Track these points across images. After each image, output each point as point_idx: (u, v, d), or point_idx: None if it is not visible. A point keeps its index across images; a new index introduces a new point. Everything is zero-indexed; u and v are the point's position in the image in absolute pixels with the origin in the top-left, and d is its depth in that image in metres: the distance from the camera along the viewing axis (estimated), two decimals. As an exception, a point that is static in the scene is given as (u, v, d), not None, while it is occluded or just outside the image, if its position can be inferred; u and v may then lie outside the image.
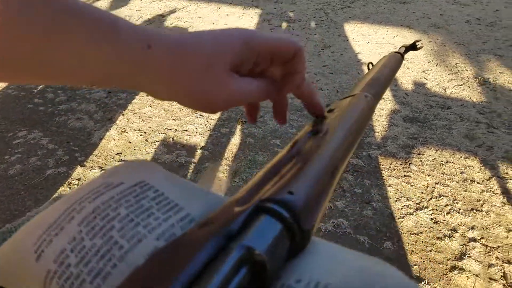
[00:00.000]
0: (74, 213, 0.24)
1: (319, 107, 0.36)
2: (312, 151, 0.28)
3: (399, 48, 0.67)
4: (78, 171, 1.66)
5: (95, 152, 1.78)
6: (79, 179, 1.61)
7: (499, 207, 1.40)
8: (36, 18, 0.22)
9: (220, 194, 0.28)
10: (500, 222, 1.35)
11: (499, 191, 1.47)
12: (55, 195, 1.53)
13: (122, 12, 3.61)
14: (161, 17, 3.45)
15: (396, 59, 0.58)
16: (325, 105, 0.40)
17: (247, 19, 3.33)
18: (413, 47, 0.69)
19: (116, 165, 0.29)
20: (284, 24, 3.21)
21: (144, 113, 2.05)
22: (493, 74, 2.34)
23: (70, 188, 1.57)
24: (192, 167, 1.66)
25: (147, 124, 1.97)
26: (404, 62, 2.37)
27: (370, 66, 0.57)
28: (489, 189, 1.49)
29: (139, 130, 1.93)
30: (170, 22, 3.34)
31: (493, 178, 1.54)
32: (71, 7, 0.23)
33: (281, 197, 0.22)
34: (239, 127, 1.92)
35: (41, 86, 2.35)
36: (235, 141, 1.82)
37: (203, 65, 0.27)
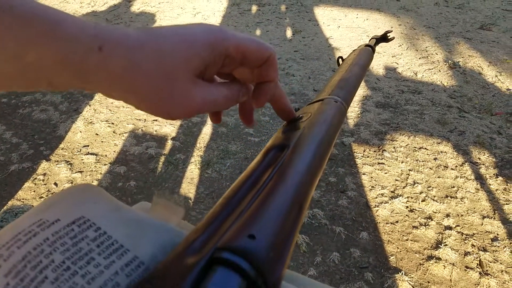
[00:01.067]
0: (0, 260, 0.20)
1: (288, 110, 0.33)
2: (276, 178, 0.23)
3: (370, 40, 0.62)
4: (44, 165, 1.55)
5: (61, 145, 1.67)
6: (44, 175, 1.51)
7: (473, 193, 1.40)
8: None
9: (173, 226, 0.24)
10: (474, 208, 1.34)
11: (473, 177, 1.47)
12: (20, 192, 1.43)
13: (82, -3, 3.41)
14: (128, 2, 3.28)
15: (367, 54, 0.53)
16: (295, 109, 0.36)
17: (216, 3, 3.22)
18: (384, 38, 0.65)
19: (53, 194, 0.26)
20: (254, 8, 3.11)
21: (112, 103, 1.94)
22: (462, 57, 2.35)
23: (35, 184, 1.46)
24: (162, 159, 1.58)
25: (115, 115, 1.86)
26: (376, 47, 2.35)
27: (340, 61, 0.52)
28: (463, 175, 1.48)
29: (106, 121, 1.82)
30: (137, 7, 3.18)
31: (466, 163, 1.53)
32: (4, 1, 0.20)
33: (240, 243, 0.18)
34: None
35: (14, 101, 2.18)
36: (207, 130, 1.74)
37: (164, 73, 0.24)
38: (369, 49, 0.56)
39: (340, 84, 0.39)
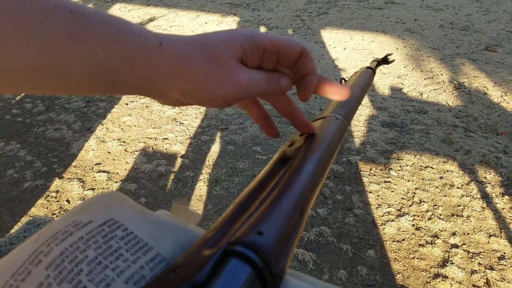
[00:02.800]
0: (41, 255, 0.23)
1: (306, 123, 0.36)
2: (281, 186, 0.26)
3: (371, 63, 0.66)
4: (56, 183, 1.60)
5: (74, 163, 1.72)
6: (57, 192, 1.55)
7: (479, 212, 1.41)
8: (52, 33, 0.22)
9: (191, 229, 0.27)
10: (481, 227, 1.35)
11: (479, 196, 1.48)
12: (33, 209, 1.47)
13: (96, 21, 3.53)
14: (140, 25, 3.40)
15: (368, 76, 0.56)
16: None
17: (225, 27, 3.31)
18: (385, 60, 0.68)
19: (86, 199, 0.29)
20: (262, 31, 3.20)
21: (124, 122, 2.00)
22: (467, 78, 2.38)
23: (48, 201, 1.50)
24: (172, 176, 1.61)
25: (127, 133, 1.91)
26: (380, 67, 2.39)
27: (343, 82, 0.55)
28: (469, 194, 1.49)
29: (118, 139, 1.87)
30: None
31: (472, 182, 1.54)
32: (78, 12, 0.23)
33: (250, 238, 0.21)
34: (219, 134, 1.89)
35: (19, 96, 2.27)
36: (216, 148, 1.78)
37: (211, 58, 0.28)
38: (369, 71, 0.60)
39: (341, 104, 0.42)
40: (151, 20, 3.51)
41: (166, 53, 0.26)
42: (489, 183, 1.53)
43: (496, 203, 1.43)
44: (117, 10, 3.81)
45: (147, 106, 2.14)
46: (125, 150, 1.79)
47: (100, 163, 1.71)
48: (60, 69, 0.23)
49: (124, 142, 1.85)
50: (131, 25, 0.26)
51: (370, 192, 1.52)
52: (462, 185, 1.54)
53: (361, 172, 1.63)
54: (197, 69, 0.28)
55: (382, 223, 1.38)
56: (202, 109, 2.11)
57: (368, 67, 0.61)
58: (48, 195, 1.53)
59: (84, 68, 0.24)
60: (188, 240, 0.25)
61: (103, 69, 0.24)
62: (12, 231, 0.38)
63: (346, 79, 0.58)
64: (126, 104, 2.17)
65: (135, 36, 0.25)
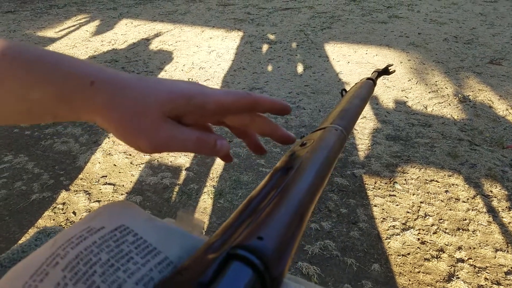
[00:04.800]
0: (58, 258, 0.25)
1: (286, 136, 0.37)
2: (282, 193, 0.27)
3: (372, 73, 0.66)
4: (63, 195, 1.61)
5: (80, 176, 1.73)
6: (63, 204, 1.56)
7: (485, 226, 1.39)
8: None
9: (196, 236, 0.29)
10: (487, 241, 1.33)
11: (485, 209, 1.46)
12: (40, 220, 1.48)
13: (108, 37, 3.60)
14: (146, 40, 3.45)
15: (368, 87, 0.57)
16: (300, 137, 0.40)
17: (230, 41, 3.35)
18: (385, 71, 0.69)
19: (98, 208, 0.31)
20: (266, 46, 3.23)
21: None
22: (472, 91, 2.38)
23: (55, 213, 1.52)
24: (177, 188, 1.62)
25: (131, 147, 1.93)
26: (384, 81, 2.40)
27: (344, 93, 0.56)
28: (475, 208, 1.48)
29: (124, 152, 1.89)
30: (155, 45, 3.34)
31: (478, 196, 1.53)
32: (12, 50, 0.26)
33: (251, 243, 0.22)
34: (222, 149, 1.89)
35: None
36: (220, 161, 1.79)
37: (135, 110, 0.28)
38: (370, 82, 0.60)
39: (340, 115, 0.43)
40: (157, 35, 3.56)
41: (95, 95, 0.27)
42: (495, 197, 1.52)
43: (502, 217, 1.42)
44: (123, 26, 3.87)
45: (152, 120, 2.16)
46: (131, 163, 1.81)
47: (106, 176, 1.73)
48: None
49: (130, 155, 1.87)
50: (68, 62, 0.27)
51: (375, 206, 1.51)
52: (468, 199, 1.52)
53: (366, 185, 1.62)
54: (117, 117, 0.28)
55: (387, 237, 1.37)
56: (207, 122, 2.13)
57: (368, 78, 0.62)
58: (55, 207, 1.55)
59: (21, 107, 0.26)
60: (193, 245, 0.27)
61: (40, 107, 0.27)
62: (22, 240, 0.40)
63: (347, 90, 0.58)
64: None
65: (68, 75, 0.26)
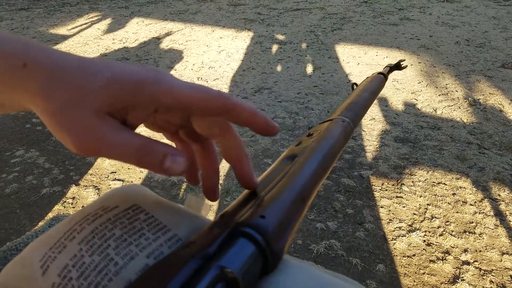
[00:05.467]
0: (75, 233, 0.27)
1: (248, 177, 0.30)
2: (286, 178, 0.29)
3: (384, 68, 0.67)
4: (73, 190, 1.64)
5: (90, 171, 1.76)
6: (73, 198, 1.59)
7: (492, 229, 1.39)
8: None
9: (203, 217, 0.31)
10: (493, 244, 1.33)
11: (492, 213, 1.46)
12: (50, 214, 1.51)
13: (119, 35, 3.64)
14: (157, 39, 3.49)
15: (378, 81, 0.58)
16: (308, 128, 0.40)
17: (240, 41, 3.37)
18: (397, 66, 0.70)
19: (112, 189, 0.32)
20: (276, 46, 3.24)
21: (139, 132, 2.05)
22: (483, 95, 2.36)
23: (64, 207, 1.54)
24: (184, 186, 1.64)
25: (139, 145, 1.96)
26: (394, 83, 2.39)
27: (354, 87, 0.57)
28: (482, 211, 1.47)
29: (132, 150, 1.91)
30: (165, 44, 3.37)
31: (486, 199, 1.53)
32: None
33: (254, 221, 0.23)
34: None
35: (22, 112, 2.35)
36: (226, 163, 1.80)
37: (72, 96, 0.22)
38: (381, 77, 0.61)
39: (349, 107, 0.44)
40: (168, 34, 3.59)
41: (28, 79, 0.22)
42: (503, 201, 1.51)
43: (509, 221, 1.41)
44: (135, 24, 3.92)
45: (162, 117, 2.19)
46: (139, 161, 1.83)
47: (115, 172, 1.75)
48: None
49: (139, 151, 1.89)
50: (3, 40, 0.22)
51: (382, 207, 1.51)
52: (475, 202, 1.52)
53: (373, 186, 1.62)
54: (48, 105, 0.22)
55: (392, 238, 1.37)
56: (216, 121, 2.14)
57: (379, 73, 0.63)
58: (65, 201, 1.58)
59: None
60: (201, 225, 0.28)
61: None
62: (39, 225, 0.42)
63: (358, 84, 0.59)
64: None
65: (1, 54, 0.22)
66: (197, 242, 0.23)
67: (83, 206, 1.55)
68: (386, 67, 0.68)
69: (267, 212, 0.24)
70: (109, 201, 0.30)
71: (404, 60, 0.70)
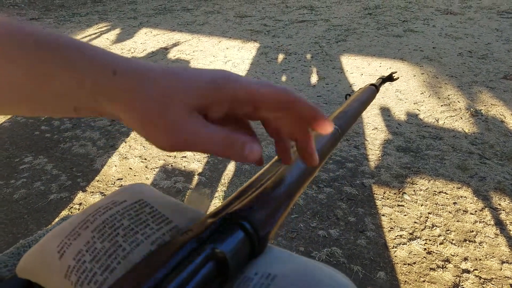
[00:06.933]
0: (88, 223, 0.31)
1: (310, 152, 0.32)
2: (274, 177, 0.32)
3: (377, 80, 0.71)
4: (80, 196, 1.68)
5: (97, 178, 1.80)
6: (80, 204, 1.63)
7: (492, 238, 1.40)
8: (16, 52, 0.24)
9: (201, 211, 0.35)
10: (493, 253, 1.34)
11: (492, 222, 1.47)
12: (57, 219, 1.55)
13: (127, 45, 3.71)
14: (165, 50, 3.55)
15: (369, 92, 0.62)
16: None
17: (245, 52, 3.43)
18: (389, 78, 0.73)
19: (121, 187, 0.36)
20: (281, 57, 3.29)
21: (145, 140, 2.09)
22: (485, 105, 2.39)
23: (71, 212, 1.58)
24: (189, 192, 1.67)
25: (148, 151, 2.00)
26: (397, 93, 2.42)
27: (347, 98, 0.61)
28: (482, 220, 1.49)
29: (140, 156, 1.96)
30: (173, 54, 3.43)
31: (486, 208, 1.54)
32: (37, 36, 0.25)
33: (243, 211, 0.27)
34: (234, 156, 1.95)
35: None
36: (231, 167, 1.84)
37: (160, 99, 0.25)
38: (372, 88, 0.65)
39: (339, 115, 0.49)
40: (175, 45, 3.66)
41: (117, 85, 0.25)
42: (503, 210, 1.53)
43: (510, 230, 1.43)
44: (143, 35, 3.99)
45: (168, 126, 2.23)
46: (146, 167, 1.87)
47: (122, 178, 1.79)
48: (23, 95, 0.25)
49: (145, 159, 1.93)
50: (90, 50, 0.25)
51: (383, 215, 1.53)
52: (476, 211, 1.54)
53: (375, 195, 1.65)
54: (142, 108, 0.25)
55: (393, 246, 1.39)
56: (221, 129, 2.18)
57: (372, 84, 0.66)
58: (72, 207, 1.61)
59: (44, 95, 0.25)
60: (199, 217, 0.33)
61: (59, 98, 0.26)
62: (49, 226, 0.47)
63: (351, 94, 0.63)
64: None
65: (90, 63, 0.25)
66: (193, 229, 0.26)
67: (90, 212, 1.59)
68: (378, 78, 0.72)
69: (255, 205, 0.28)
70: (118, 196, 0.34)
71: (396, 72, 0.74)
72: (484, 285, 1.22)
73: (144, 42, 3.77)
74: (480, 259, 1.32)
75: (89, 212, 0.32)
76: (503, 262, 1.30)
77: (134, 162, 1.91)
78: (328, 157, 0.40)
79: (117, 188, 1.70)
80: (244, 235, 0.26)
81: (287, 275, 0.25)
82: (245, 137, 0.27)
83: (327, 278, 0.26)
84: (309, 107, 0.28)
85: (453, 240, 1.40)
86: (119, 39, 3.89)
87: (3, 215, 1.60)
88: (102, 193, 1.69)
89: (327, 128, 0.29)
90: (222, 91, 0.26)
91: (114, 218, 0.31)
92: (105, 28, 4.32)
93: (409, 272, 1.28)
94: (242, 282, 0.25)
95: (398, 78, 0.75)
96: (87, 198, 1.66)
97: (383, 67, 3.01)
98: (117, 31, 4.20)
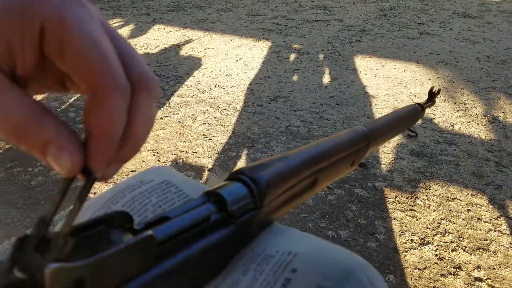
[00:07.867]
0: (118, 198, 0.33)
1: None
2: (283, 156, 0.34)
3: (425, 101, 0.75)
4: (95, 185, 1.68)
5: (112, 169, 1.82)
6: (95, 193, 1.63)
7: (507, 248, 1.36)
8: None
9: None
10: (508, 263, 1.30)
11: (508, 232, 1.43)
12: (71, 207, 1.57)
13: (141, 41, 3.72)
14: (177, 46, 3.55)
15: (411, 108, 0.66)
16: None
17: (257, 50, 3.40)
18: (431, 94, 0.77)
19: (148, 168, 0.39)
20: (293, 56, 3.26)
21: (158, 135, 2.10)
22: (503, 112, 2.33)
23: (86, 200, 1.59)
24: (208, 175, 1.69)
25: (160, 145, 2.00)
26: (411, 97, 2.38)
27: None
28: (497, 229, 1.44)
29: (152, 150, 1.96)
30: (185, 51, 3.42)
31: (502, 217, 1.50)
32: None
33: (249, 170, 0.29)
34: (245, 151, 1.93)
35: (64, 106, 2.45)
36: (241, 164, 1.82)
37: None
38: (417, 107, 0.68)
39: (374, 121, 0.51)
40: (187, 42, 3.65)
41: None
42: (519, 219, 1.48)
43: (526, 240, 1.38)
44: (156, 31, 3.99)
45: (179, 122, 2.23)
46: (158, 160, 1.87)
47: (135, 171, 1.79)
48: None
49: (158, 153, 1.93)
50: None
51: (394, 219, 1.50)
52: (491, 219, 1.49)
53: (386, 198, 1.61)
54: None
55: (404, 250, 1.35)
56: (231, 126, 2.17)
57: (418, 104, 0.70)
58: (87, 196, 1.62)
59: None
60: None
61: None
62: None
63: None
64: (161, 118, 2.26)
65: None
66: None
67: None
68: (426, 101, 0.74)
69: (262, 166, 0.30)
70: (146, 176, 0.36)
71: (433, 87, 0.76)
72: (498, 295, 1.18)
73: (157, 39, 3.77)
74: (494, 268, 1.28)
75: (118, 188, 0.34)
76: (518, 272, 1.26)
77: (147, 155, 1.91)
78: (344, 153, 0.39)
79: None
80: (247, 190, 0.27)
81: (308, 252, 0.27)
82: (54, 131, 0.18)
83: (346, 257, 0.27)
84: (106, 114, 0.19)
85: (466, 247, 1.36)
86: (133, 35, 3.90)
87: (21, 201, 1.64)
88: (116, 183, 1.69)
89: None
90: (28, 22, 0.16)
91: (143, 195, 0.32)
92: (119, 23, 4.34)
93: (419, 277, 1.25)
94: (264, 259, 0.26)
95: (439, 91, 0.78)
96: (101, 188, 1.66)
97: (398, 69, 2.96)
98: (130, 27, 4.21)
